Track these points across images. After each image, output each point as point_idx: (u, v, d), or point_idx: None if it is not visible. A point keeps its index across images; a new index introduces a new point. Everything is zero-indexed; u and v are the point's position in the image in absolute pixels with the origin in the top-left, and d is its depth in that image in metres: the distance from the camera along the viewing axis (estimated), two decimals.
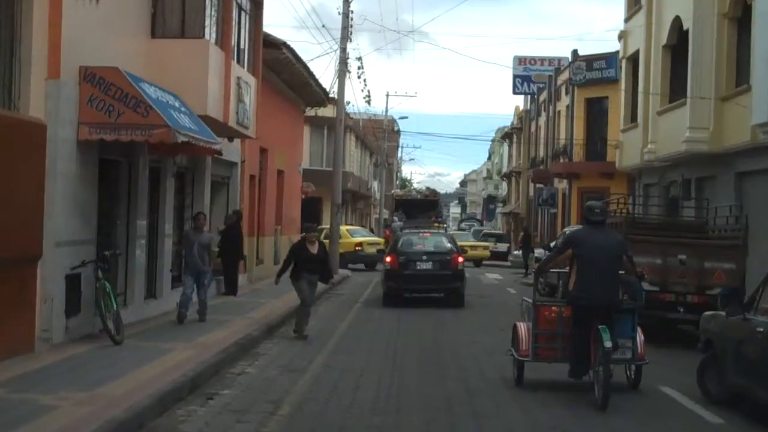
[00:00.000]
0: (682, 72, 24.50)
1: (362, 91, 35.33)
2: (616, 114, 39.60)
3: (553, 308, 10.67)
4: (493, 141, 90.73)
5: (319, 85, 30.70)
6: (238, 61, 17.88)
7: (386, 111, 67.47)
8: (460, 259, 21.45)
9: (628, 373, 10.81)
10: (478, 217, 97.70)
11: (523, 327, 10.77)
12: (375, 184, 72.30)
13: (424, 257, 21.27)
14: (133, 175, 14.45)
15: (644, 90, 28.68)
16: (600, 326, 9.65)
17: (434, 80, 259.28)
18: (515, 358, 10.86)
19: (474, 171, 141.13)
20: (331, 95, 33.18)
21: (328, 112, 39.40)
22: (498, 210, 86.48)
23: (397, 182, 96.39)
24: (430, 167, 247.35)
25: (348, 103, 49.18)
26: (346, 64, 31.41)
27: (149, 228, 15.76)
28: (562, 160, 44.21)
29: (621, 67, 33.97)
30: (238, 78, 17.13)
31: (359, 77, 35.02)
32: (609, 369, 9.50)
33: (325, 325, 16.79)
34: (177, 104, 13.84)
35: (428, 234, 23.30)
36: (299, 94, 30.90)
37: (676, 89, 25.47)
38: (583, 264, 10.01)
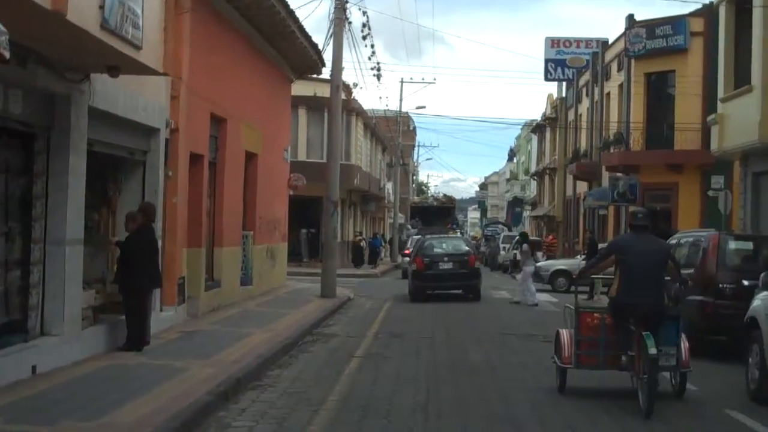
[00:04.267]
0: None
1: (369, 59, 26.32)
2: (686, 90, 31.96)
3: (596, 315, 10.43)
4: (519, 135, 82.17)
5: (309, 39, 22.31)
6: None
7: (401, 100, 59.08)
8: (476, 260, 25.26)
9: (672, 381, 10.47)
10: (502, 220, 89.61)
11: (565, 334, 10.58)
12: (389, 186, 63.88)
13: (445, 258, 24.34)
14: None
15: (763, 38, 20.25)
16: (644, 333, 9.33)
17: (451, 84, 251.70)
18: (558, 366, 10.64)
19: (495, 173, 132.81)
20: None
21: (328, 92, 30.63)
22: (526, 213, 77.76)
23: (414, 186, 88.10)
24: (446, 173, 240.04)
25: (355, 85, 40.79)
26: (344, 10, 22.76)
27: None
28: (614, 150, 36.04)
29: (716, 16, 25.55)
30: None
31: (364, 38, 25.07)
32: (655, 376, 9.21)
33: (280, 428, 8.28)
34: None
35: (447, 238, 27.93)
36: (282, 52, 22.57)
37: None
38: (626, 269, 9.88)
